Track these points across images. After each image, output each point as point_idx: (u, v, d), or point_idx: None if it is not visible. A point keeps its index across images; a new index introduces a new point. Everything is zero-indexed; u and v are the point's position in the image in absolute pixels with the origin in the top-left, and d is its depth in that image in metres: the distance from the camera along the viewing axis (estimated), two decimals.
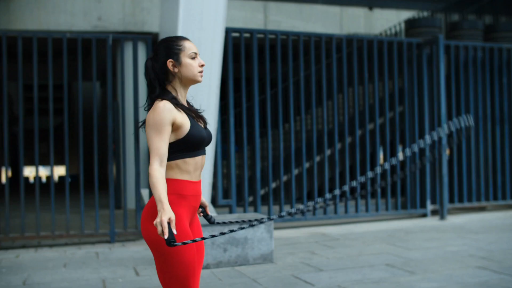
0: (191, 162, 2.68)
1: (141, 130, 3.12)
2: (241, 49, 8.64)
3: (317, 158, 10.32)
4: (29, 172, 43.75)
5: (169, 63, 2.70)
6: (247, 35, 8.86)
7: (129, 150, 9.78)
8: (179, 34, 7.38)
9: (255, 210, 8.68)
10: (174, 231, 2.39)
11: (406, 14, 15.27)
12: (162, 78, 2.72)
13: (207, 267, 6.03)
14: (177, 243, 2.38)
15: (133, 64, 8.10)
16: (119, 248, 7.54)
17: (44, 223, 8.79)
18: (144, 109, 2.75)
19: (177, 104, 2.66)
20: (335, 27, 14.70)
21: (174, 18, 7.53)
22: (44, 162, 22.06)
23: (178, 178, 2.66)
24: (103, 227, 8.62)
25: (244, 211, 8.62)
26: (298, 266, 6.02)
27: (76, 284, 5.50)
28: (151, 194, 7.97)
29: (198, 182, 2.77)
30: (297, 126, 11.52)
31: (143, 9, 12.95)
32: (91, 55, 8.10)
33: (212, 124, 7.74)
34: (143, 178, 8.78)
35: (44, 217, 9.03)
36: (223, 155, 9.66)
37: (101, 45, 13.42)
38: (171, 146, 2.63)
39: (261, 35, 8.93)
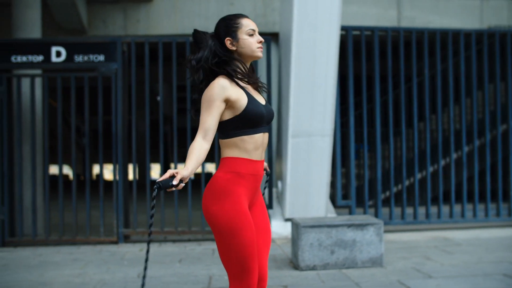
0: (249, 141, 2.68)
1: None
2: (361, 47, 8.48)
3: (443, 162, 9.86)
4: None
5: (227, 41, 2.75)
6: (368, 33, 8.66)
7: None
8: (294, 34, 7.40)
9: (376, 213, 8.49)
10: (174, 183, 2.38)
11: None
12: (223, 56, 2.75)
13: (313, 268, 6.00)
14: (156, 191, 2.36)
15: (267, 63, 8.25)
16: None
17: (170, 220, 9.22)
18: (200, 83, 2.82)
19: (238, 78, 2.71)
20: (474, 21, 13.93)
21: (289, 19, 7.56)
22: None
23: (235, 156, 2.68)
24: None
25: (364, 213, 8.45)
26: (408, 272, 5.81)
27: (184, 279, 5.72)
28: (269, 193, 7.99)
29: (259, 162, 2.76)
30: (421, 126, 11.09)
31: (273, 9, 13.12)
32: None
33: (329, 124, 7.68)
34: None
35: (169, 214, 9.48)
36: (345, 155, 9.54)
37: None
38: (229, 123, 2.66)
39: (383, 33, 8.69)
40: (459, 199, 10.11)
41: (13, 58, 8.08)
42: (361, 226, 6.10)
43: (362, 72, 8.48)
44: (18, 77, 8.17)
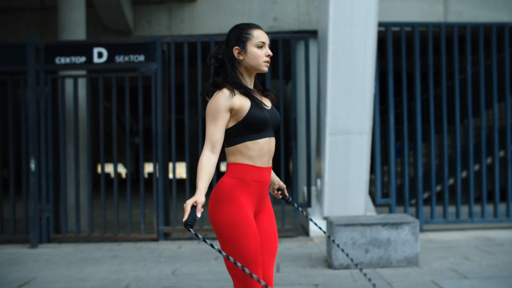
0: (253, 147, 2.68)
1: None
2: (401, 44, 8.36)
3: (487, 160, 9.60)
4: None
5: (235, 50, 2.73)
6: (408, 28, 8.51)
7: (301, 146, 9.80)
8: (330, 31, 7.35)
9: (417, 212, 8.35)
10: (198, 215, 2.40)
11: None
12: (230, 64, 2.74)
13: (347, 267, 5.95)
14: (191, 229, 2.35)
15: (303, 63, 8.24)
16: None
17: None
18: (200, 95, 2.82)
19: (240, 86, 2.69)
20: None
21: (325, 16, 7.52)
22: None
23: (239, 162, 2.68)
24: None
25: (405, 212, 8.32)
26: (443, 272, 5.69)
27: (217, 277, 5.76)
28: (308, 191, 7.96)
29: (265, 169, 2.74)
30: (465, 123, 10.81)
31: (317, 7, 13.04)
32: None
33: (367, 121, 7.60)
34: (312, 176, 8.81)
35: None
36: (383, 153, 9.42)
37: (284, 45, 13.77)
38: (232, 130, 2.66)
39: (424, 28, 8.53)
40: (503, 198, 9.84)
41: (57, 60, 8.30)
42: (395, 225, 6.01)
43: (402, 69, 8.35)
44: (62, 78, 8.39)
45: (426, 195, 10.31)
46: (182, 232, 8.35)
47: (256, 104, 2.69)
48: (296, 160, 8.37)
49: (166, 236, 8.40)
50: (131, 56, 8.25)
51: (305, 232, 8.58)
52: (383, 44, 8.47)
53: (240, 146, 2.68)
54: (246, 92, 2.70)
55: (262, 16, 13.08)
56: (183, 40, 8.30)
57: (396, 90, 8.65)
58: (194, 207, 2.43)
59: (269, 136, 2.75)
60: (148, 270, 6.18)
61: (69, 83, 8.64)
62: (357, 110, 7.54)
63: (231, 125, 2.66)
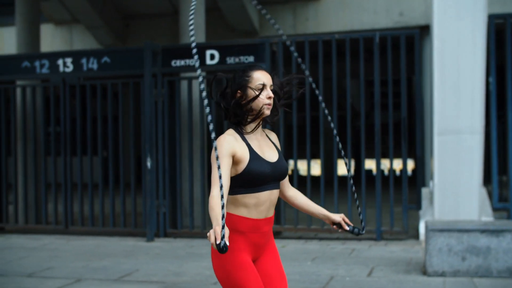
0: (251, 198, 2.61)
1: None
2: None
3: None
4: (369, 165, 45.40)
5: (238, 94, 2.64)
6: None
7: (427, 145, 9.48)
8: (435, 25, 7.03)
9: None
10: (227, 242, 2.25)
11: None
12: (234, 108, 2.65)
13: (442, 274, 5.67)
14: (224, 244, 2.20)
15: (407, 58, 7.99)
16: (378, 247, 7.53)
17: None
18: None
19: (241, 135, 2.65)
20: None
21: (431, 10, 7.20)
22: (384, 155, 22.51)
23: (233, 213, 2.62)
24: (371, 225, 8.65)
25: None
26: None
27: (304, 278, 5.75)
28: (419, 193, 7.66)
29: (261, 220, 2.66)
30: None
31: None
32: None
33: (479, 120, 7.17)
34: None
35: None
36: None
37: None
38: (232, 180, 2.59)
39: None
40: None
41: (173, 63, 8.70)
42: (496, 232, 5.61)
43: None
44: (178, 80, 8.78)
45: None
46: (294, 231, 8.41)
47: (256, 157, 2.61)
48: (406, 161, 8.10)
49: (276, 235, 8.46)
50: (241, 57, 8.43)
51: (417, 235, 8.27)
52: (501, 36, 7.93)
53: (238, 196, 2.62)
54: (246, 143, 2.64)
55: (387, 12, 12.78)
56: (291, 40, 8.34)
57: None
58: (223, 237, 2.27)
59: (271, 189, 2.66)
60: None
61: (184, 85, 9.00)
62: (467, 108, 7.13)
63: (231, 174, 2.61)
